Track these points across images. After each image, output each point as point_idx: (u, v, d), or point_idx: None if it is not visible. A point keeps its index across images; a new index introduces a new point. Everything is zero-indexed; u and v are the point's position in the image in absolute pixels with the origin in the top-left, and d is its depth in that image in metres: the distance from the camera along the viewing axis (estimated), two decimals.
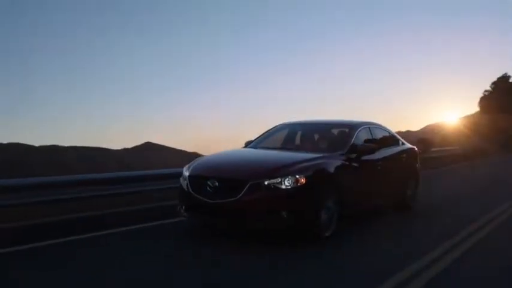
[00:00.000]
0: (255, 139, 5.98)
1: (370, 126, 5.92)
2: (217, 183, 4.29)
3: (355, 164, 5.04)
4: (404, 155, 6.51)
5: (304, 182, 4.21)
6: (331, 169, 4.69)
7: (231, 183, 4.26)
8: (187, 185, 4.58)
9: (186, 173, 4.72)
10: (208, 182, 4.32)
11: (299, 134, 6.03)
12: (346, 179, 4.81)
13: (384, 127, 6.34)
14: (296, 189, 4.17)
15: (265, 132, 6.11)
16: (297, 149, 5.55)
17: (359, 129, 5.56)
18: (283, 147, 5.64)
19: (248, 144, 5.89)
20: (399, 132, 7.25)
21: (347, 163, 4.94)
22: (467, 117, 36.68)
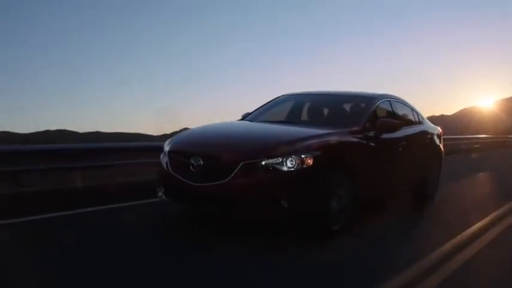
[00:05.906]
0: (254, 111, 5.07)
1: (390, 99, 4.99)
2: (202, 162, 3.43)
3: (372, 144, 4.15)
4: (429, 136, 5.63)
5: (311, 163, 3.35)
6: (345, 148, 3.83)
7: (219, 163, 3.41)
8: (166, 163, 3.74)
9: (167, 148, 3.87)
10: (192, 160, 3.46)
11: (306, 106, 5.09)
12: (362, 161, 3.94)
13: (406, 102, 5.41)
14: (301, 172, 3.31)
15: (266, 103, 5.18)
16: (303, 124, 4.64)
17: (378, 102, 4.65)
18: (287, 121, 4.73)
19: (245, 116, 5.00)
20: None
21: (364, 142, 4.05)
22: (506, 99, 34.64)
